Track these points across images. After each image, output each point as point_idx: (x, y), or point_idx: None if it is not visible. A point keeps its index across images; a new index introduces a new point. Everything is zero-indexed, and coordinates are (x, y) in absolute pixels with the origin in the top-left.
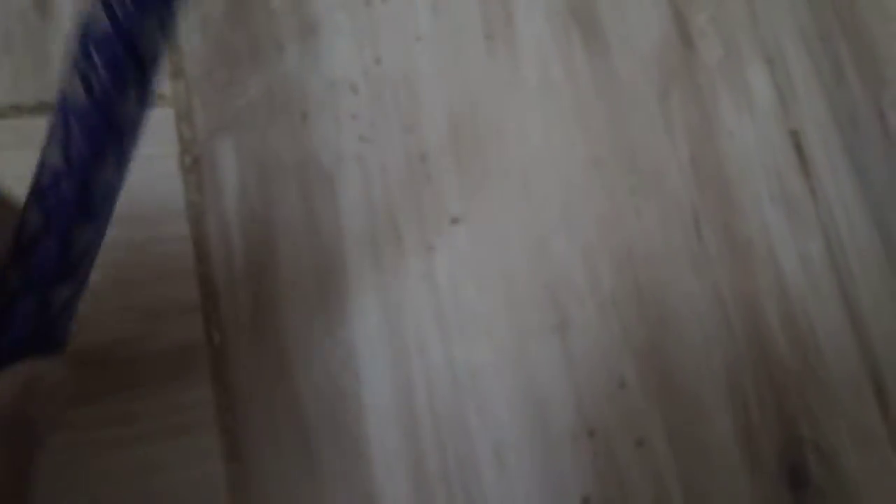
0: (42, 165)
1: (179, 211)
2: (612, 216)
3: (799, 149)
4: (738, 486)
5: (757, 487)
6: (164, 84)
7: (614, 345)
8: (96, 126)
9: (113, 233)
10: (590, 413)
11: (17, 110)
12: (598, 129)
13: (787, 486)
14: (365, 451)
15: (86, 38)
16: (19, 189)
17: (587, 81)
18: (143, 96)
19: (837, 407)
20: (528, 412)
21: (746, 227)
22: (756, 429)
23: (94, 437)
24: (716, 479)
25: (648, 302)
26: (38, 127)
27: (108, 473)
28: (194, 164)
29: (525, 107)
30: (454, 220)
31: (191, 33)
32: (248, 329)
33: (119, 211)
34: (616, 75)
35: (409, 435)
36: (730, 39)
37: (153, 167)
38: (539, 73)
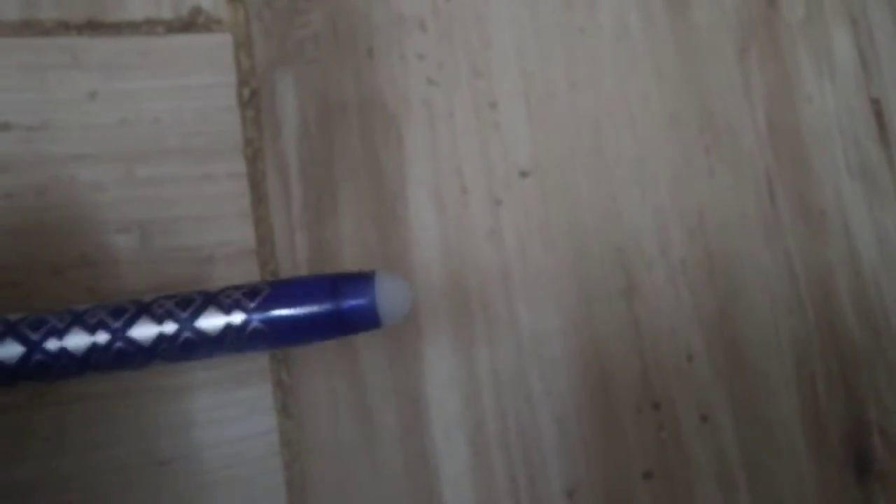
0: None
1: (236, 147)
2: (686, 176)
3: (880, 118)
4: (802, 467)
5: (821, 470)
6: (221, 8)
7: (683, 314)
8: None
9: (165, 166)
10: (656, 385)
11: (65, 27)
12: (674, 84)
13: (853, 469)
14: (423, 413)
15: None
16: (67, 114)
17: (665, 32)
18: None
19: None
20: (592, 381)
21: (821, 197)
22: (822, 409)
23: (145, 386)
24: (780, 458)
25: (718, 270)
26: (88, 47)
27: (160, 424)
28: (252, 98)
29: (599, 56)
30: (523, 174)
31: None
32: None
33: (172, 143)
34: (695, 27)
35: (470, 398)
36: None
37: (209, 97)
38: (615, 21)
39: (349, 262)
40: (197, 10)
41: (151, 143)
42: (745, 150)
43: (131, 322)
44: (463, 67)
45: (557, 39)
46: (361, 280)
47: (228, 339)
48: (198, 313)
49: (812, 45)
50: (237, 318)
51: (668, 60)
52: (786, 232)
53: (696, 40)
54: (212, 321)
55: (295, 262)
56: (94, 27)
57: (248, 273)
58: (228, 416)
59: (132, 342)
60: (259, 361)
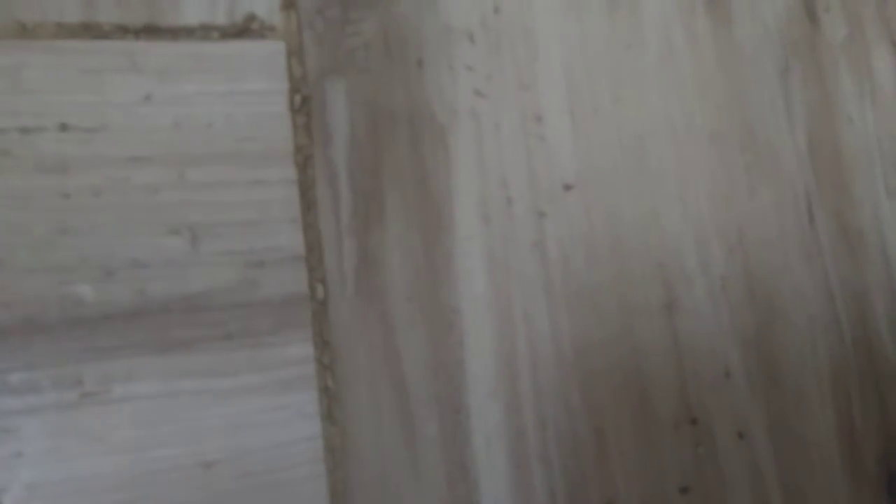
0: None
1: (287, 154)
2: (726, 194)
3: None
4: (837, 485)
5: (856, 489)
6: (275, 15)
7: (721, 331)
8: None
9: (217, 170)
10: (693, 400)
11: (123, 31)
12: (717, 101)
13: (886, 489)
14: (464, 424)
15: None
16: (123, 116)
17: (709, 50)
18: None
19: None
20: (631, 395)
21: (859, 218)
22: (857, 428)
23: (193, 388)
24: (815, 477)
25: (757, 288)
26: (145, 51)
27: (207, 426)
28: (304, 105)
29: (644, 72)
30: (567, 187)
31: None
32: (353, 285)
33: (225, 147)
34: (738, 46)
35: (511, 409)
36: (854, 17)
37: (261, 103)
38: (660, 39)
39: (395, 270)
40: (251, 17)
41: (204, 147)
42: (785, 169)
43: None
44: (510, 80)
45: (603, 55)
46: None
47: None
48: None
49: (853, 66)
50: None
51: (711, 78)
52: (824, 251)
53: (739, 59)
54: None
55: (342, 270)
56: (151, 31)
57: (296, 279)
58: (274, 420)
59: None
60: (305, 367)
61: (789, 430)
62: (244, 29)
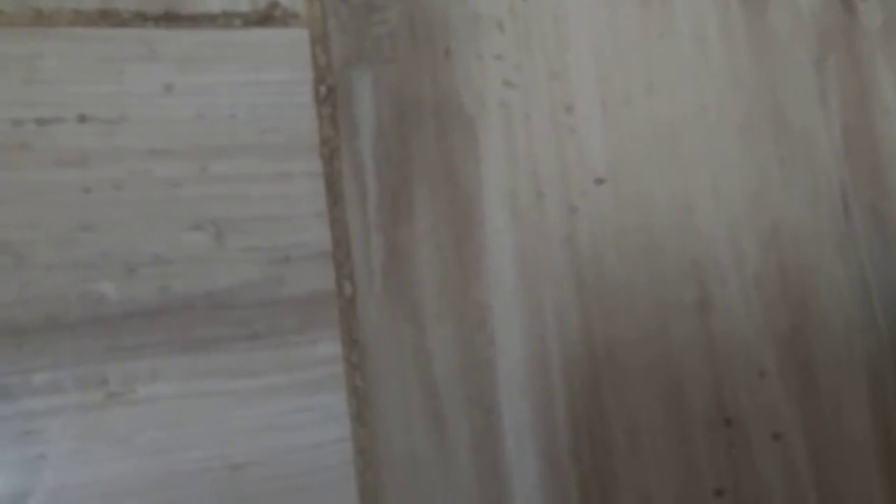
0: None
1: (312, 146)
2: (761, 188)
3: None
4: (874, 488)
5: (893, 492)
6: (298, 2)
7: (755, 329)
8: None
9: (240, 163)
10: (728, 400)
11: (143, 18)
12: (750, 92)
13: None
14: (496, 424)
15: None
16: (143, 107)
17: (742, 40)
18: None
19: None
20: (665, 394)
21: None
22: (895, 429)
23: (220, 389)
24: (851, 479)
25: (792, 285)
26: (165, 39)
27: (234, 427)
28: (329, 95)
29: (677, 62)
30: (599, 181)
31: None
32: (381, 281)
33: (248, 139)
34: (773, 34)
35: (542, 409)
36: (891, 5)
37: (285, 94)
38: (693, 28)
39: (424, 266)
40: (274, 4)
41: (227, 139)
42: (819, 161)
43: None
44: (540, 69)
45: (635, 44)
46: None
47: None
48: None
49: (890, 55)
50: None
51: (745, 68)
52: (860, 246)
53: (773, 48)
54: None
55: (370, 265)
56: (171, 19)
57: (323, 276)
58: (302, 421)
59: None
60: (333, 366)
61: (825, 430)
62: (267, 16)
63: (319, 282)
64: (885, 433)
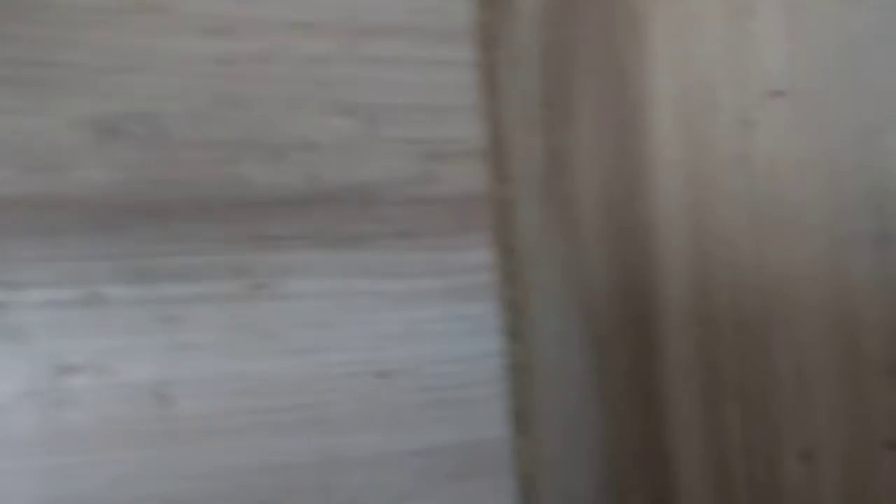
0: None
1: (468, 30)
2: None
3: None
4: None
5: None
6: None
7: None
8: None
9: (392, 45)
10: None
11: None
12: None
13: None
14: (656, 354)
15: None
16: None
17: None
18: None
19: None
20: (839, 335)
21: None
22: None
23: (369, 289)
24: None
25: None
26: None
27: (382, 332)
28: None
29: None
30: (777, 93)
31: None
32: (540, 187)
33: (400, 19)
34: None
35: (705, 340)
36: None
37: None
38: None
39: (585, 174)
40: None
41: (377, 17)
42: None
43: None
44: None
45: None
46: None
47: None
48: None
49: None
50: None
51: None
52: None
53: None
54: None
55: (529, 169)
56: None
57: (478, 176)
58: (453, 331)
59: None
60: (486, 274)
61: None
62: None
63: (474, 182)
64: None
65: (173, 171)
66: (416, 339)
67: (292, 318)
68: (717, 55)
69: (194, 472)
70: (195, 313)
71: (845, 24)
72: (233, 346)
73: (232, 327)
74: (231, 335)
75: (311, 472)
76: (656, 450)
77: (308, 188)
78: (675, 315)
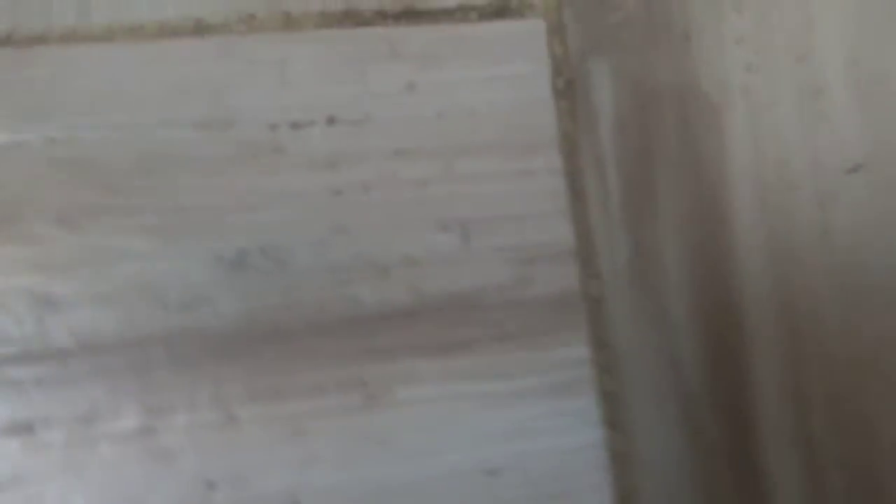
0: None
1: (552, 141)
2: None
3: None
4: None
5: None
6: None
7: None
8: None
9: (483, 161)
10: None
11: (383, 17)
12: None
13: None
14: (754, 428)
15: None
16: (387, 107)
17: None
18: None
19: None
20: None
21: None
22: None
23: (474, 391)
24: None
25: None
26: (405, 37)
27: (489, 431)
28: (567, 88)
29: None
30: (854, 168)
31: None
32: (628, 281)
33: (489, 136)
34: None
35: (803, 415)
36: None
37: (524, 88)
38: None
39: (672, 264)
40: None
41: (469, 137)
42: None
43: None
44: (782, 52)
45: (888, 17)
46: None
47: None
48: None
49: None
50: None
51: None
52: None
53: None
54: None
55: (616, 264)
56: (410, 16)
57: (568, 275)
58: (555, 426)
59: None
60: (582, 369)
61: None
62: (502, 8)
63: (565, 281)
64: None
65: (294, 297)
66: (521, 437)
67: (404, 425)
68: (793, 138)
69: None
70: (318, 426)
71: None
72: (353, 454)
73: (351, 437)
74: (350, 445)
75: None
76: None
77: (412, 301)
78: (769, 391)
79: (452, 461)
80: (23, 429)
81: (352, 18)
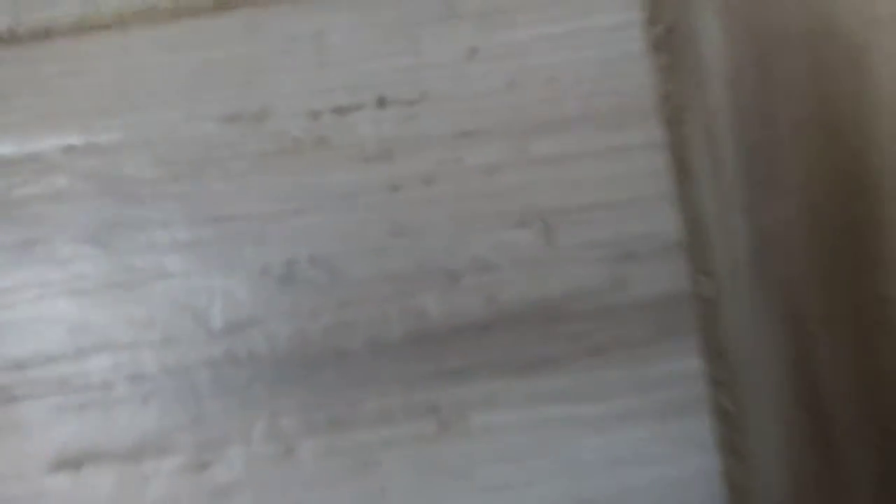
0: None
1: (649, 108)
2: None
3: None
4: None
5: None
6: None
7: None
8: None
9: (566, 139)
10: None
11: None
12: None
13: None
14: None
15: None
16: (445, 80)
17: None
18: None
19: None
20: None
21: None
22: None
23: (561, 415)
24: None
25: None
26: None
27: (580, 460)
28: (667, 39)
29: None
30: None
31: None
32: (749, 277)
33: (572, 108)
34: None
35: None
36: None
37: (613, 43)
38: None
39: (802, 255)
40: None
41: (547, 110)
42: None
43: None
44: None
45: None
46: None
47: None
48: None
49: None
50: None
51: None
52: None
53: None
54: None
55: (734, 258)
56: None
57: (675, 273)
58: (660, 452)
59: None
60: (694, 385)
61: None
62: None
63: (671, 281)
64: None
65: (350, 313)
66: (619, 465)
67: (482, 454)
68: None
69: None
70: (385, 458)
71: None
72: (425, 490)
73: (422, 470)
74: (422, 479)
75: None
76: None
77: (487, 312)
78: None
79: (540, 495)
80: (71, 465)
81: None
